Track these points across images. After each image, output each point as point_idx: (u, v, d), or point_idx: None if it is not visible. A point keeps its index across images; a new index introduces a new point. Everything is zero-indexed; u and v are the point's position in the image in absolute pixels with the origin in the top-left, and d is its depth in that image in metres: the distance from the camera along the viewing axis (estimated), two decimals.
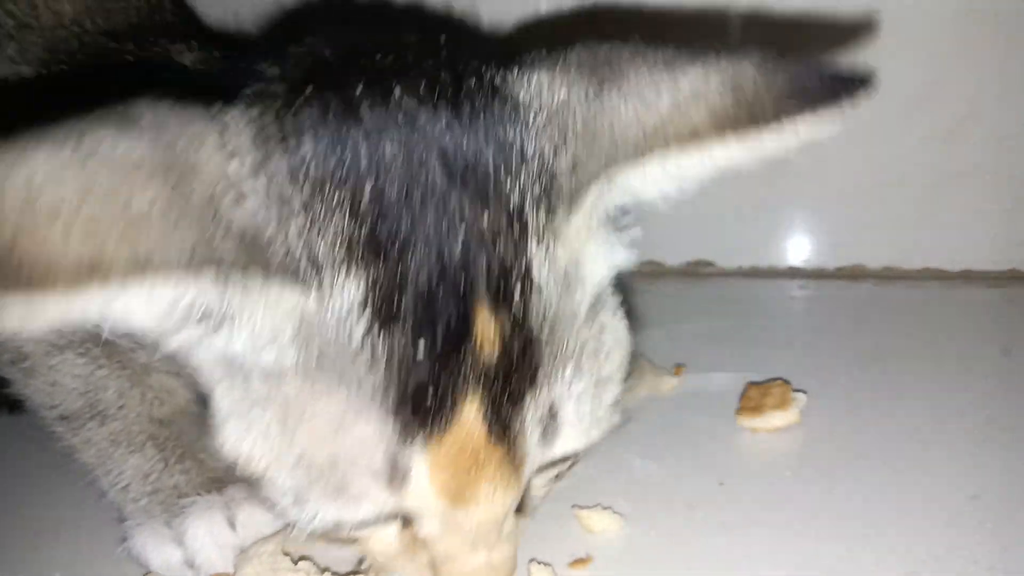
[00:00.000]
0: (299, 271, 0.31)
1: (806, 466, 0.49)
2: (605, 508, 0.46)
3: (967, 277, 0.68)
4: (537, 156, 0.34)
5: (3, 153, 0.26)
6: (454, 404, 0.32)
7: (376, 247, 0.31)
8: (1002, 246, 0.68)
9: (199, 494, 0.46)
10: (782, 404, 0.52)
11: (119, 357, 0.49)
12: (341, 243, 0.31)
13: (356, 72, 0.35)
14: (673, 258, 0.76)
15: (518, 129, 0.34)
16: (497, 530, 0.36)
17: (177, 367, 0.47)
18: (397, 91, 0.34)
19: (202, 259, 0.28)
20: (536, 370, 0.34)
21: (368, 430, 0.32)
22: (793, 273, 0.73)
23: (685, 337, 0.63)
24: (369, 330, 0.31)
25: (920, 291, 0.68)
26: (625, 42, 0.36)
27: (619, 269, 0.39)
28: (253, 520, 0.45)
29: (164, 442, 0.49)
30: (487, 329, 0.32)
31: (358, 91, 0.34)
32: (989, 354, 0.58)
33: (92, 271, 0.25)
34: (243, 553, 0.44)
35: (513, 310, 0.33)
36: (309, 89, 0.34)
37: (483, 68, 0.36)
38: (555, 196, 0.34)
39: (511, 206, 0.33)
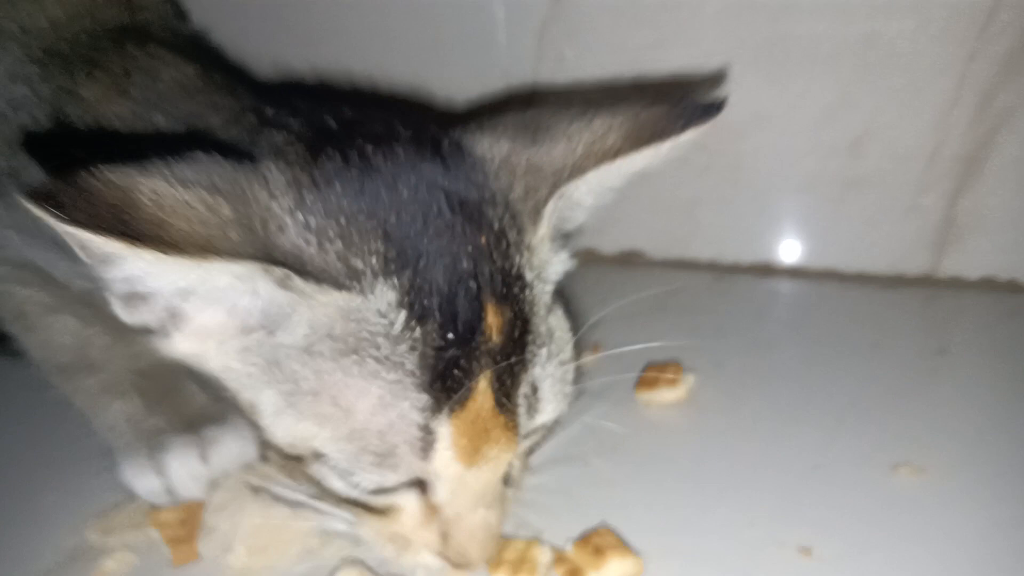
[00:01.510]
0: (339, 279, 0.40)
1: (689, 436, 0.59)
2: None
3: (861, 279, 0.78)
4: (499, 191, 0.45)
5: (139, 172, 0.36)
6: (471, 381, 0.41)
7: (405, 261, 0.41)
8: (894, 251, 0.77)
9: (176, 433, 0.54)
10: (673, 382, 0.62)
11: (106, 319, 0.58)
12: (377, 258, 0.40)
13: (358, 135, 0.45)
14: (608, 247, 0.85)
15: (484, 174, 0.45)
16: (495, 492, 0.45)
17: None
18: (399, 149, 0.44)
19: (268, 260, 0.37)
20: (525, 353, 0.43)
21: (406, 405, 0.40)
22: (711, 267, 0.82)
23: (608, 320, 0.72)
24: (407, 324, 0.40)
25: (820, 289, 0.78)
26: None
27: (564, 272, 0.50)
28: (221, 457, 0.54)
29: (146, 390, 0.57)
30: (494, 321, 0.42)
31: (369, 149, 0.44)
32: (863, 347, 0.67)
33: (204, 249, 0.35)
34: (213, 483, 0.53)
35: (510, 306, 0.43)
36: (329, 148, 0.44)
37: (449, 133, 0.48)
38: (520, 217, 0.45)
39: (496, 228, 0.43)
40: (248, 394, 0.42)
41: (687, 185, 0.80)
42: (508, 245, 0.44)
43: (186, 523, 0.51)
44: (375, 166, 0.43)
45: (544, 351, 0.45)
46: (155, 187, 0.36)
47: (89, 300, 0.56)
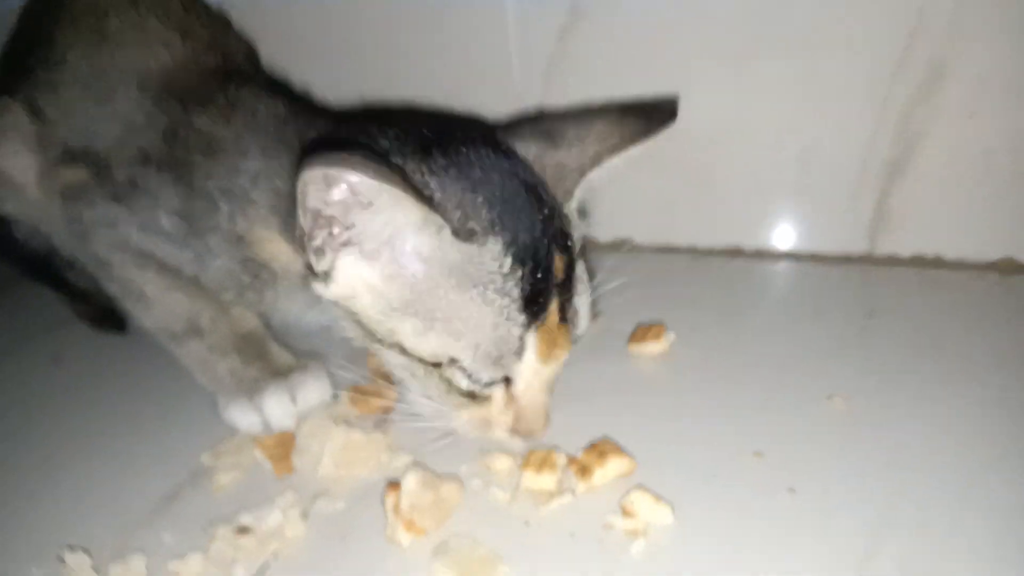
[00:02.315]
0: (465, 235, 0.56)
1: (670, 379, 0.74)
2: None
3: (813, 258, 0.93)
4: (544, 180, 0.63)
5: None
6: (548, 304, 0.59)
7: (504, 224, 0.57)
8: (839, 237, 0.93)
9: (270, 380, 0.70)
10: (657, 338, 0.77)
11: (209, 295, 0.72)
12: (487, 221, 0.57)
13: (446, 139, 0.61)
14: (602, 235, 1.01)
15: (531, 167, 0.63)
16: (552, 383, 0.63)
17: (249, 305, 0.72)
18: (482, 149, 0.61)
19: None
20: (573, 287, 0.61)
21: (512, 323, 0.57)
22: (689, 250, 0.98)
23: (605, 294, 0.88)
24: (512, 267, 0.57)
25: (779, 267, 0.93)
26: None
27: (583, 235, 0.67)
28: (307, 396, 0.70)
29: (244, 349, 0.72)
30: (559, 264, 0.59)
31: (463, 148, 0.60)
32: (808, 313, 0.83)
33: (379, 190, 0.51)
34: (301, 416, 0.69)
35: (565, 255, 0.60)
36: (433, 149, 0.59)
37: (496, 137, 0.65)
38: (561, 196, 0.63)
39: (549, 203, 0.61)
40: (391, 323, 0.58)
41: (668, 185, 0.95)
42: (557, 215, 0.61)
43: (283, 445, 0.66)
44: (471, 160, 0.59)
45: (581, 286, 0.63)
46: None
47: (196, 282, 0.71)
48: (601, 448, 0.62)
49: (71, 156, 0.75)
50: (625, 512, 0.57)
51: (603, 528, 0.57)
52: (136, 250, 0.71)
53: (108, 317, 0.87)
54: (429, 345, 0.58)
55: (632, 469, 0.61)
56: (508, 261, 0.57)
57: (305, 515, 0.61)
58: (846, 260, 0.91)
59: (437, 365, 0.59)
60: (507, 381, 0.61)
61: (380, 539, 0.58)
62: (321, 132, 0.66)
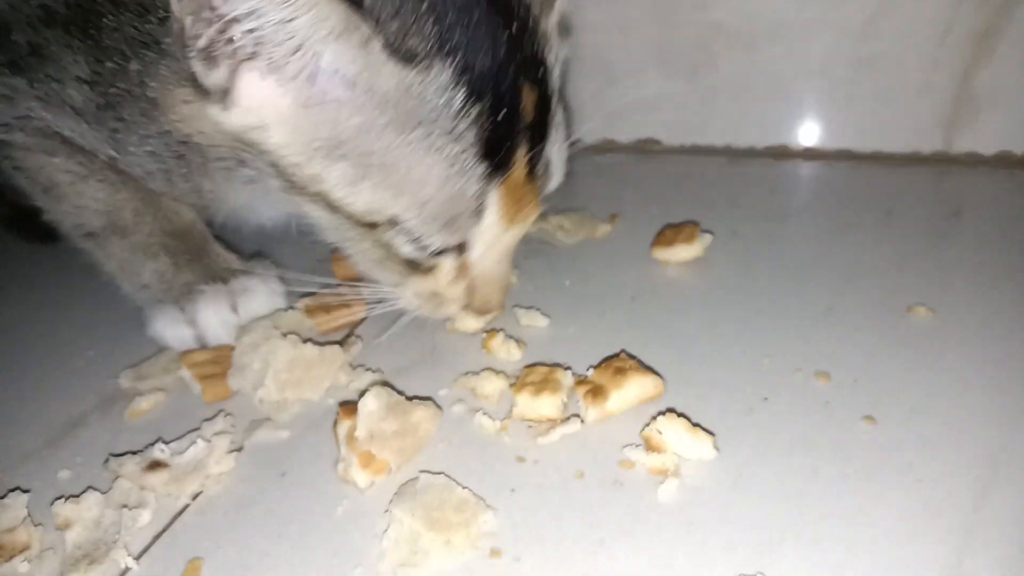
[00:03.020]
0: (402, 55, 0.42)
1: (704, 288, 0.60)
2: (536, 309, 0.57)
3: (875, 158, 0.78)
4: None
5: None
6: (514, 152, 0.46)
7: (455, 41, 0.43)
8: (908, 130, 0.77)
9: (206, 285, 0.57)
10: (690, 240, 0.62)
11: (134, 184, 0.58)
12: (432, 40, 0.43)
13: None
14: (624, 136, 0.86)
15: None
16: (512, 251, 0.52)
17: (179, 195, 0.58)
18: None
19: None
20: (547, 131, 0.48)
21: (467, 175, 0.45)
22: (726, 151, 0.83)
23: (625, 198, 0.73)
24: (465, 102, 0.43)
25: (834, 169, 0.78)
26: None
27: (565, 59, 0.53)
28: (250, 305, 0.56)
29: (175, 249, 0.58)
30: (528, 100, 0.46)
31: None
32: (877, 215, 0.68)
33: None
34: (242, 328, 0.55)
35: (537, 88, 0.46)
36: None
37: None
38: (535, 7, 0.47)
39: (521, 16, 0.46)
40: (314, 168, 0.45)
41: (701, 72, 0.80)
42: (531, 33, 0.46)
43: (217, 362, 0.53)
44: None
45: (556, 132, 0.49)
46: None
47: (116, 168, 0.58)
48: (618, 365, 0.48)
49: None
50: (650, 445, 0.43)
51: (621, 466, 0.43)
52: (41, 130, 0.58)
53: (27, 220, 0.73)
54: (362, 199, 0.46)
55: (659, 391, 0.47)
56: (460, 94, 0.43)
57: (237, 448, 0.47)
58: (917, 159, 0.76)
59: (373, 226, 0.46)
60: (459, 248, 0.49)
61: (331, 478, 0.45)
62: None
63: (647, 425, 0.44)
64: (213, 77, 0.43)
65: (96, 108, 0.55)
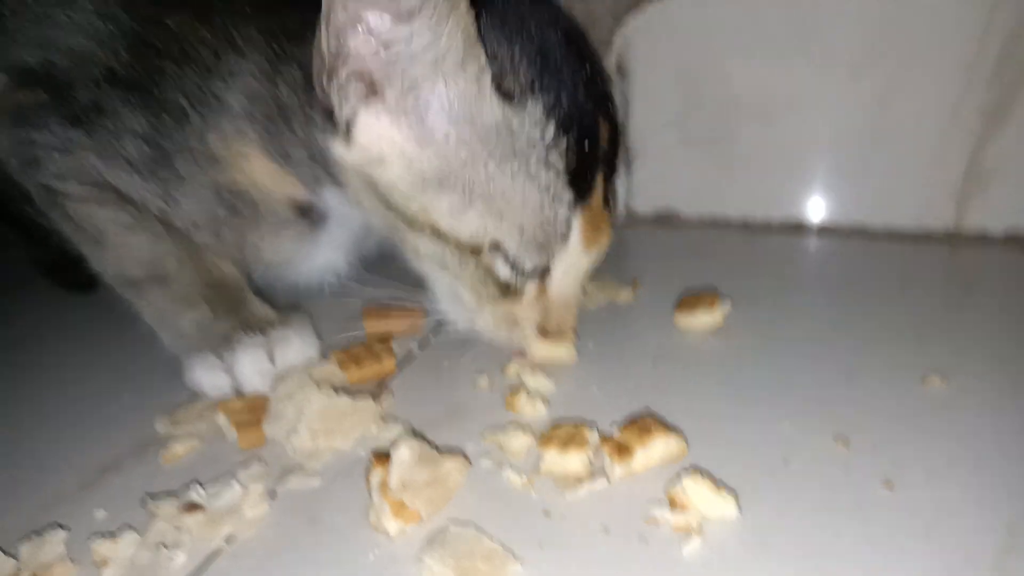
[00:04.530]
0: (507, 93, 0.49)
1: (726, 353, 0.61)
2: (561, 370, 0.59)
3: (888, 235, 0.80)
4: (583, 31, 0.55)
5: None
6: (594, 180, 0.52)
7: (544, 82, 0.49)
8: (919, 205, 0.80)
9: (244, 334, 0.58)
10: (710, 307, 0.64)
11: (178, 236, 0.61)
12: (527, 77, 0.49)
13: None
14: (643, 207, 0.88)
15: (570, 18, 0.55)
16: (586, 274, 0.57)
17: (222, 248, 0.61)
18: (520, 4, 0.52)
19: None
20: (616, 161, 0.54)
21: (559, 201, 0.51)
22: (743, 225, 0.85)
23: (645, 268, 0.75)
24: (556, 134, 0.49)
25: (848, 244, 0.81)
26: None
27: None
28: (287, 355, 0.58)
29: (214, 300, 0.60)
30: (604, 133, 0.52)
31: (500, 5, 0.51)
32: (891, 287, 0.70)
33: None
34: (277, 377, 0.57)
35: (609, 121, 0.53)
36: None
37: None
38: (597, 50, 0.55)
39: (590, 58, 0.53)
40: (423, 199, 0.50)
41: (721, 144, 0.83)
42: (599, 72, 0.53)
43: (253, 409, 0.54)
44: (505, 9, 0.50)
45: (621, 164, 0.54)
46: None
47: (164, 219, 0.60)
48: (643, 424, 0.49)
49: (31, 77, 0.64)
50: (674, 503, 0.45)
51: (646, 523, 0.44)
52: (95, 181, 0.61)
53: (69, 269, 0.75)
54: (468, 226, 0.51)
55: (683, 451, 0.49)
56: (551, 128, 0.49)
57: (271, 493, 0.48)
58: (929, 236, 0.78)
59: (476, 252, 0.52)
60: (542, 272, 0.54)
61: (362, 525, 0.46)
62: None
63: (671, 483, 0.45)
64: (344, 110, 0.48)
65: (150, 161, 0.58)
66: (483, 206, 0.50)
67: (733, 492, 0.44)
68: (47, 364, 0.68)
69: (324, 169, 0.55)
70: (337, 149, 0.51)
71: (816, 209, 0.83)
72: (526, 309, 0.56)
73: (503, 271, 0.53)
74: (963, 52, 0.73)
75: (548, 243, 0.52)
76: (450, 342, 0.65)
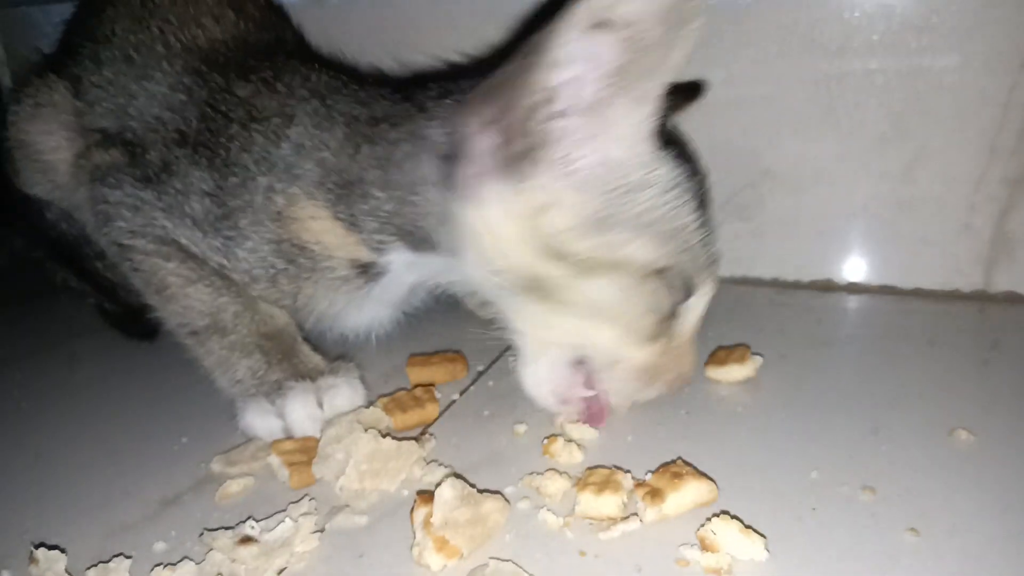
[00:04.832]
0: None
1: (756, 406, 0.63)
2: None
3: (917, 294, 0.82)
4: None
5: None
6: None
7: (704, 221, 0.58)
8: (947, 268, 0.82)
9: (296, 381, 0.62)
10: (741, 360, 0.67)
11: (236, 289, 0.65)
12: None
13: None
14: None
15: None
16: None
17: (277, 299, 0.65)
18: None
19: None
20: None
21: (700, 232, 0.57)
22: (773, 283, 0.88)
23: None
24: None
25: (877, 302, 0.83)
26: None
27: None
28: (335, 401, 0.61)
29: (268, 349, 0.64)
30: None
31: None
32: (920, 344, 0.72)
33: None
34: (327, 422, 0.60)
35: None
36: None
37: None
38: None
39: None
40: (593, 239, 0.54)
41: (752, 211, 0.86)
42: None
43: (304, 451, 0.57)
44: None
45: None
46: None
47: (221, 273, 0.65)
48: (675, 470, 0.52)
49: (108, 139, 0.70)
50: (705, 545, 0.47)
51: (677, 563, 0.46)
52: (160, 237, 0.66)
53: (134, 319, 0.80)
54: (645, 253, 0.54)
55: (714, 496, 0.51)
56: (678, 174, 0.56)
57: (321, 529, 0.51)
58: (957, 296, 0.80)
59: (660, 272, 0.56)
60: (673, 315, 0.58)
61: (406, 560, 0.48)
62: (385, 97, 0.61)
63: (702, 526, 0.47)
64: (531, 157, 0.52)
65: (214, 219, 0.63)
66: (650, 234, 0.54)
67: (762, 535, 0.46)
68: (115, 406, 0.72)
69: (399, 235, 0.59)
70: (501, 196, 0.54)
71: (846, 270, 0.85)
72: (662, 354, 0.59)
73: (665, 302, 0.56)
74: (986, 124, 0.76)
75: (704, 267, 0.58)
76: (488, 390, 0.68)
